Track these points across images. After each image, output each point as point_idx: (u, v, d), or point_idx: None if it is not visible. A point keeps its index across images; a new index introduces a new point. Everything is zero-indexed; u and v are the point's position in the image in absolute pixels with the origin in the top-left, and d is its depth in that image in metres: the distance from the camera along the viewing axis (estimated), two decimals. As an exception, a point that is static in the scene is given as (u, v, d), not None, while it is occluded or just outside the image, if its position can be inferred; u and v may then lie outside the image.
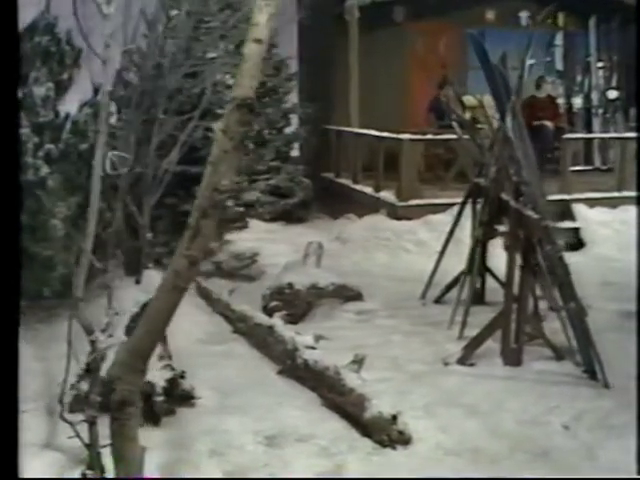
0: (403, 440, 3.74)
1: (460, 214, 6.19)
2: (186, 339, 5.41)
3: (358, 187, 9.35)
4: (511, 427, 4.07)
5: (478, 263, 5.72)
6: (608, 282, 7.15)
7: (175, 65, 5.49)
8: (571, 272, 4.91)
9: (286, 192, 9.76)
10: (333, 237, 8.56)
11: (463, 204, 6.14)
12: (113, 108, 5.88)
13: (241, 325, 5.47)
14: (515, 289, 5.00)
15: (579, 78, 11.61)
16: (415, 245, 7.72)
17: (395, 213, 8.13)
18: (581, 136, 9.88)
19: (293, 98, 10.90)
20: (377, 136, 8.87)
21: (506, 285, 4.90)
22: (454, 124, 6.26)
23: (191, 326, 5.68)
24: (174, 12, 5.44)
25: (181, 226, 7.47)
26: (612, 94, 11.34)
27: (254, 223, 9.38)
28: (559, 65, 11.52)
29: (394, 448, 3.73)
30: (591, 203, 8.68)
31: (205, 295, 6.27)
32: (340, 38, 10.27)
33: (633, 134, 9.29)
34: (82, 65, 6.30)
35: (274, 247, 8.25)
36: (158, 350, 4.36)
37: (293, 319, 5.68)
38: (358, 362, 4.27)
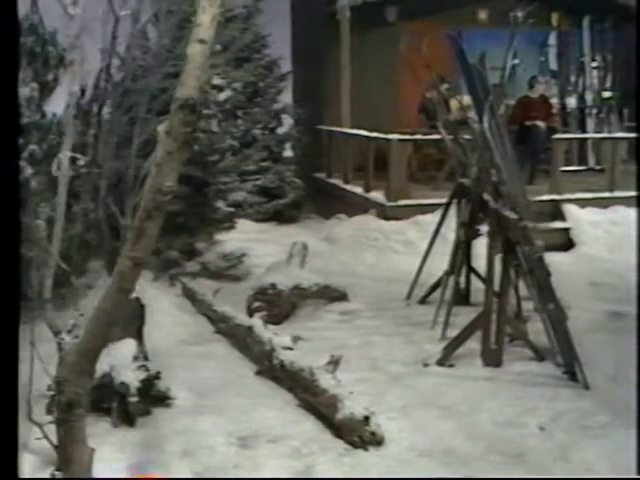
0: (375, 441, 3.72)
1: (445, 214, 6.17)
2: (168, 339, 5.42)
3: (349, 187, 9.35)
4: (487, 428, 4.05)
5: (460, 263, 5.70)
6: (596, 282, 7.14)
7: (157, 65, 5.47)
8: (552, 273, 4.89)
9: (277, 192, 9.77)
10: (322, 237, 8.57)
11: (448, 204, 6.11)
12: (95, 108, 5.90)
13: (222, 325, 5.47)
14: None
15: (573, 78, 11.57)
16: (403, 245, 7.71)
17: (384, 213, 8.12)
18: (571, 136, 9.86)
19: (285, 98, 10.91)
20: (367, 136, 8.85)
21: (486, 286, 4.87)
22: (438, 124, 6.23)
23: (174, 327, 5.69)
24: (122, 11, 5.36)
25: (166, 226, 7.49)
26: (604, 94, 11.31)
27: (245, 223, 9.39)
28: (553, 65, 11.48)
29: (366, 449, 3.71)
30: (582, 203, 8.65)
31: (190, 295, 6.26)
32: (332, 38, 10.24)
33: (624, 134, 9.26)
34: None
35: (263, 247, 8.25)
36: (133, 351, 4.38)
37: (276, 320, 5.66)
38: (334, 363, 4.25)
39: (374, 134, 8.66)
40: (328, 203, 9.86)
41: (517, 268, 4.96)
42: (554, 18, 11.27)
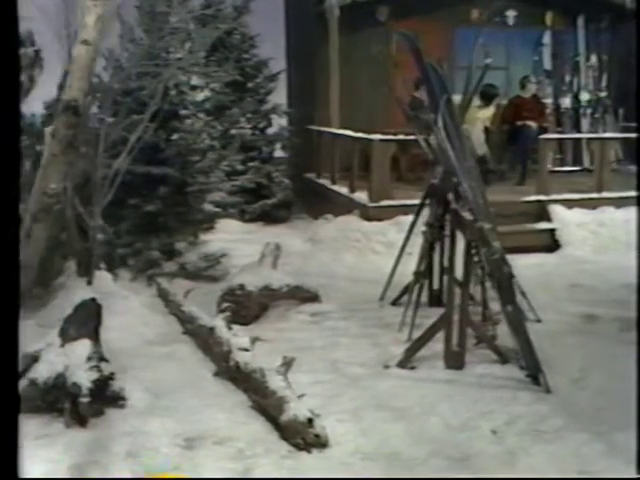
0: (319, 443, 3.69)
1: (418, 215, 6.12)
2: (135, 340, 5.41)
3: (335, 188, 9.32)
4: (437, 432, 4.01)
5: (430, 264, 5.67)
6: (575, 284, 7.06)
7: (129, 64, 5.47)
8: (514, 275, 4.85)
9: (265, 193, 9.77)
10: (307, 238, 8.56)
11: (421, 205, 6.07)
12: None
13: (189, 326, 5.46)
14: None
15: (568, 78, 11.47)
16: (384, 246, 7.65)
17: (367, 214, 8.08)
18: (557, 136, 9.76)
19: (276, 98, 10.90)
20: (351, 136, 8.82)
21: (448, 287, 4.84)
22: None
23: (143, 327, 5.67)
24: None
25: (145, 227, 7.48)
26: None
27: (232, 224, 9.39)
28: (547, 65, 11.37)
29: (309, 452, 3.69)
30: (570, 204, 8.57)
31: (163, 296, 6.26)
32: (324, 38, 10.21)
33: (612, 134, 9.15)
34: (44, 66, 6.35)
35: (247, 248, 8.21)
36: (88, 351, 4.38)
37: (245, 320, 5.65)
38: (286, 364, 4.23)
39: (358, 134, 8.62)
40: (317, 203, 9.84)
41: (482, 270, 4.93)
42: (548, 17, 11.17)
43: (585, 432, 4.03)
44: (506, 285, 4.55)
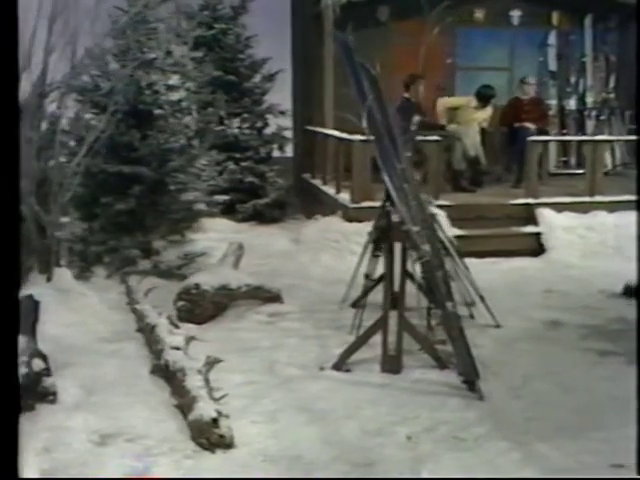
0: (224, 444, 3.71)
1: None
2: (87, 337, 5.50)
3: (325, 188, 9.33)
4: (350, 436, 3.98)
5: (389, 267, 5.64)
6: (551, 290, 6.94)
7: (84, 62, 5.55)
8: (452, 278, 4.81)
9: (260, 193, 9.82)
10: (292, 238, 8.60)
11: (383, 207, 6.03)
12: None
13: (141, 324, 5.53)
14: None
15: (573, 79, 11.25)
16: (361, 247, 7.61)
17: (348, 215, 8.06)
18: (546, 138, 9.54)
19: (279, 99, 10.94)
20: (338, 137, 8.81)
21: (384, 289, 4.80)
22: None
23: (98, 324, 5.76)
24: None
25: (117, 225, 7.55)
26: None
27: (225, 223, 9.47)
28: (552, 66, 11.17)
29: (213, 452, 3.71)
30: (560, 208, 8.41)
31: (128, 294, 6.35)
32: (320, 38, 10.19)
33: (604, 137, 8.96)
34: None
35: (232, 247, 8.29)
36: (20, 347, 4.46)
37: (199, 320, 5.71)
38: (209, 364, 4.26)
39: (343, 135, 8.60)
40: (310, 204, 9.87)
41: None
42: (554, 17, 10.98)
43: (506, 441, 3.97)
44: (437, 288, 4.50)
